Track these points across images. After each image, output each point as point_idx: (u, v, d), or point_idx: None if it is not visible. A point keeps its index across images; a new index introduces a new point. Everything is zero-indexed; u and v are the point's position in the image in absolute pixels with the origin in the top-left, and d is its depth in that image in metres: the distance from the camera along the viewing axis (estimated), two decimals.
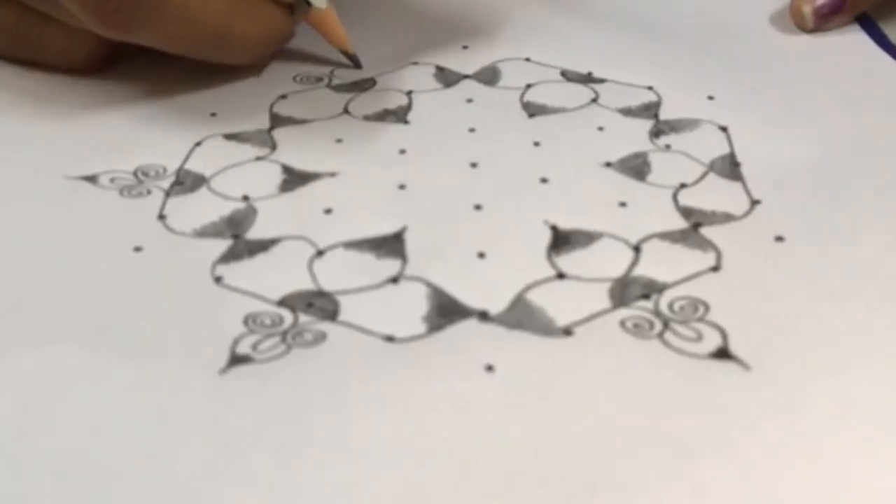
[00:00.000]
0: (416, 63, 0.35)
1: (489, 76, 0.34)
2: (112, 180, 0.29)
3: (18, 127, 0.31)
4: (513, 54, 0.35)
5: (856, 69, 0.34)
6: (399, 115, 0.32)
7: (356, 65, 0.34)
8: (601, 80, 0.33)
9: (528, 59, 0.35)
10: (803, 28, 0.37)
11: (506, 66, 0.34)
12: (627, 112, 0.32)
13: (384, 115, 0.32)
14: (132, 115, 0.32)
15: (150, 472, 0.20)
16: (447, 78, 0.34)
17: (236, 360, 0.23)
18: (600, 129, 0.31)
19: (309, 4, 0.32)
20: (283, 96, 0.33)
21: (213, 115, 0.32)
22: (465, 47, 0.36)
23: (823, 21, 0.36)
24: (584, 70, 0.34)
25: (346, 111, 0.32)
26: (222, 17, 0.30)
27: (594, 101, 0.32)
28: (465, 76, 0.34)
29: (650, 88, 0.33)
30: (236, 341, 0.23)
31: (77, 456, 0.20)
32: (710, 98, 0.32)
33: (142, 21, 0.29)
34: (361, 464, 0.20)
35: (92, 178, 0.29)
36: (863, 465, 0.20)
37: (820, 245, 0.26)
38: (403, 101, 0.33)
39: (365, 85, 0.34)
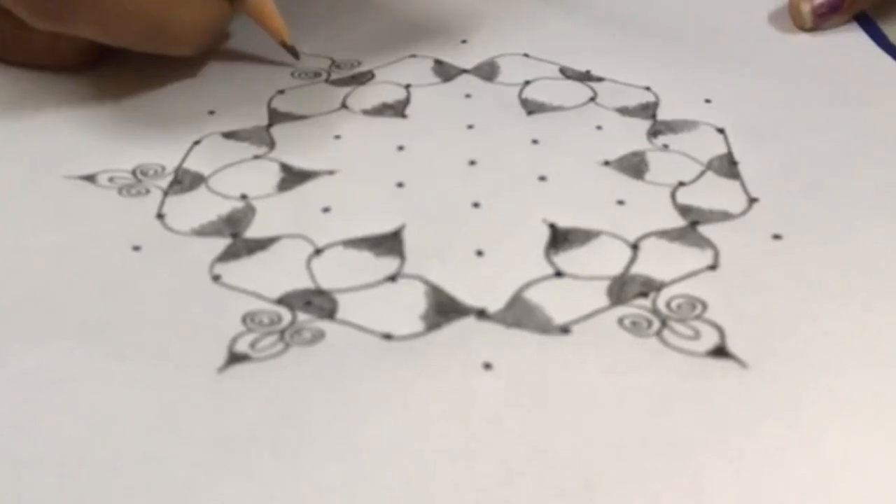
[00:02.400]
0: (414, 56, 0.35)
1: (488, 71, 0.34)
2: (111, 179, 0.29)
3: (16, 127, 0.31)
4: (511, 50, 0.35)
5: (855, 68, 0.34)
6: (397, 110, 0.32)
7: (294, 56, 0.34)
8: (599, 79, 0.33)
9: (526, 55, 0.35)
10: (802, 27, 0.37)
11: (504, 61, 0.34)
12: (625, 112, 0.32)
13: (382, 110, 0.32)
14: (131, 114, 0.32)
15: (148, 470, 0.20)
16: (446, 72, 0.34)
17: (234, 358, 0.23)
18: (598, 127, 0.31)
19: None
20: (282, 91, 0.33)
21: (212, 112, 0.32)
22: (463, 41, 0.36)
23: (822, 20, 0.36)
24: (582, 68, 0.34)
25: (344, 105, 0.32)
26: (158, 6, 0.29)
27: (592, 99, 0.32)
28: (464, 70, 0.34)
29: (648, 89, 0.33)
30: (234, 340, 0.23)
31: (76, 455, 0.20)
32: (708, 101, 0.32)
33: (75, 12, 0.28)
34: (359, 461, 0.20)
35: (90, 178, 0.29)
36: (860, 462, 0.20)
37: (818, 243, 0.26)
38: (402, 94, 0.33)
39: (363, 78, 0.34)
